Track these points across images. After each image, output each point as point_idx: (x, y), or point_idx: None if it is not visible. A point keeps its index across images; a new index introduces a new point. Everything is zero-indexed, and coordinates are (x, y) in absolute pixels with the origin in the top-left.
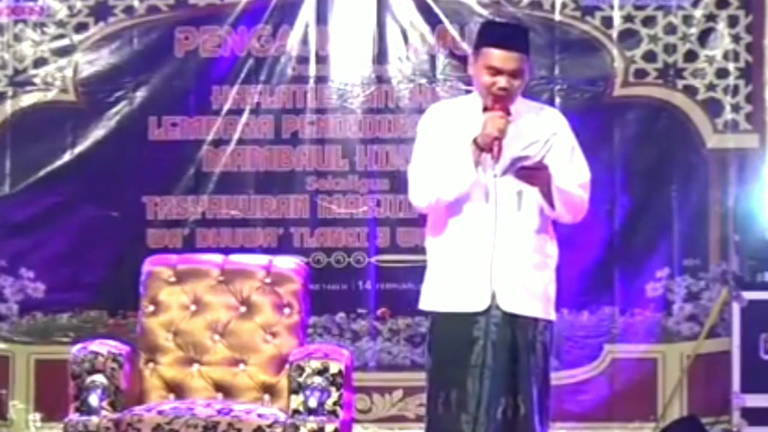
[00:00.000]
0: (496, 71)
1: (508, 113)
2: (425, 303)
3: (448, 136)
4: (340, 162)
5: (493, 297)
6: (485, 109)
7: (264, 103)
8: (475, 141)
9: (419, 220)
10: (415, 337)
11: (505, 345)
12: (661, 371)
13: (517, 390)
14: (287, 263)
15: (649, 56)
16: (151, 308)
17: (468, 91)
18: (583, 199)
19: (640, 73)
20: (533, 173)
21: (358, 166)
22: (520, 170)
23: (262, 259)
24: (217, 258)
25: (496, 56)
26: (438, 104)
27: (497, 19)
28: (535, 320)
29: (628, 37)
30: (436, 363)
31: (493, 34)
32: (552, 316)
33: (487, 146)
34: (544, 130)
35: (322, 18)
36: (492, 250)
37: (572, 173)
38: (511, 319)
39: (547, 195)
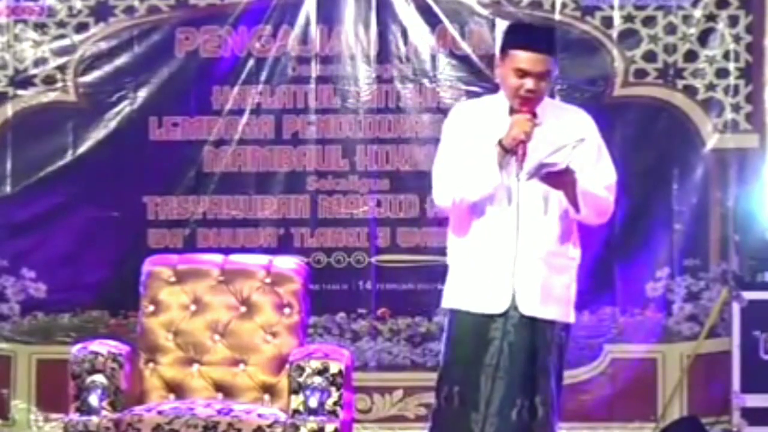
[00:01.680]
0: (524, 73)
1: (535, 115)
2: (446, 300)
3: (474, 137)
4: (340, 162)
5: (513, 299)
6: (512, 111)
7: (264, 104)
8: (500, 143)
9: (419, 221)
10: (415, 337)
11: (522, 347)
12: (661, 371)
13: (535, 392)
14: (287, 263)
15: (649, 56)
16: (151, 308)
17: (468, 92)
18: (609, 201)
19: (640, 73)
20: (559, 178)
21: (358, 166)
22: (547, 175)
23: (263, 259)
24: (217, 258)
25: (524, 59)
26: (463, 103)
27: (524, 21)
28: (552, 323)
29: (628, 37)
30: (449, 359)
31: (520, 36)
32: (570, 318)
33: (513, 149)
34: (570, 134)
35: (322, 18)
36: (514, 252)
37: (599, 175)
38: (530, 321)
39: (573, 198)
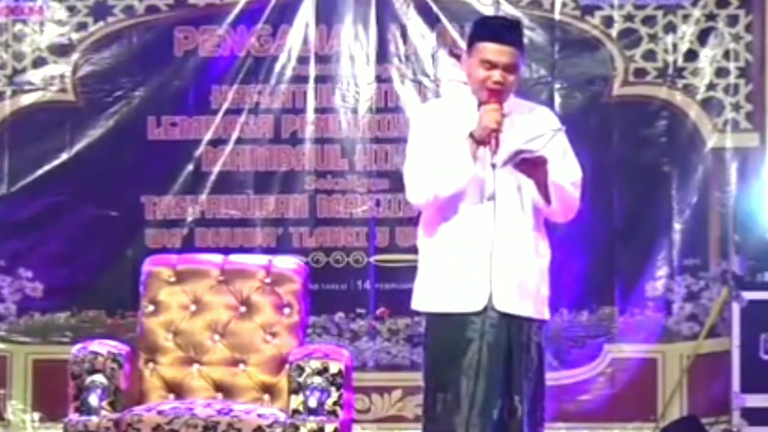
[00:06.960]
0: (491, 65)
1: (502, 108)
2: (419, 303)
3: (442, 134)
4: (339, 162)
5: (490, 297)
6: (481, 104)
7: (263, 103)
8: (471, 135)
9: (418, 220)
10: (414, 337)
11: (500, 346)
12: (661, 371)
13: (513, 391)
14: (287, 263)
15: (649, 55)
16: (151, 308)
17: None
18: (575, 197)
19: (640, 73)
20: (533, 166)
21: (357, 165)
22: (521, 161)
23: (262, 259)
24: (217, 258)
25: (491, 50)
26: (428, 103)
27: (490, 15)
28: (529, 320)
29: (628, 37)
30: (433, 364)
31: (487, 29)
32: (545, 315)
33: (485, 139)
34: (538, 130)
35: (321, 18)
36: (491, 248)
37: (565, 171)
38: (507, 319)
39: (544, 189)
